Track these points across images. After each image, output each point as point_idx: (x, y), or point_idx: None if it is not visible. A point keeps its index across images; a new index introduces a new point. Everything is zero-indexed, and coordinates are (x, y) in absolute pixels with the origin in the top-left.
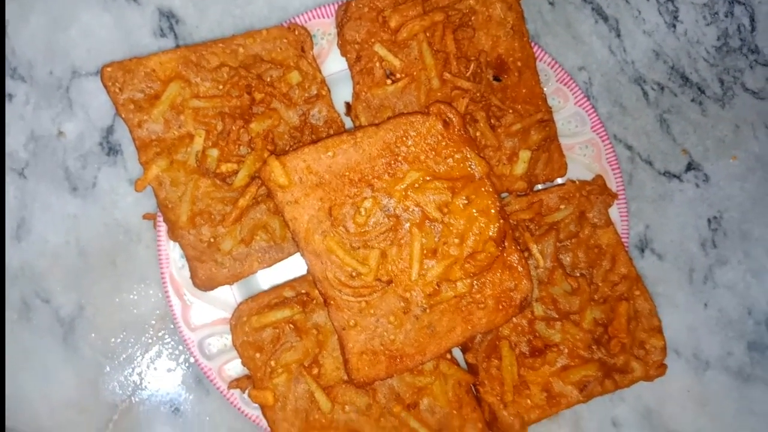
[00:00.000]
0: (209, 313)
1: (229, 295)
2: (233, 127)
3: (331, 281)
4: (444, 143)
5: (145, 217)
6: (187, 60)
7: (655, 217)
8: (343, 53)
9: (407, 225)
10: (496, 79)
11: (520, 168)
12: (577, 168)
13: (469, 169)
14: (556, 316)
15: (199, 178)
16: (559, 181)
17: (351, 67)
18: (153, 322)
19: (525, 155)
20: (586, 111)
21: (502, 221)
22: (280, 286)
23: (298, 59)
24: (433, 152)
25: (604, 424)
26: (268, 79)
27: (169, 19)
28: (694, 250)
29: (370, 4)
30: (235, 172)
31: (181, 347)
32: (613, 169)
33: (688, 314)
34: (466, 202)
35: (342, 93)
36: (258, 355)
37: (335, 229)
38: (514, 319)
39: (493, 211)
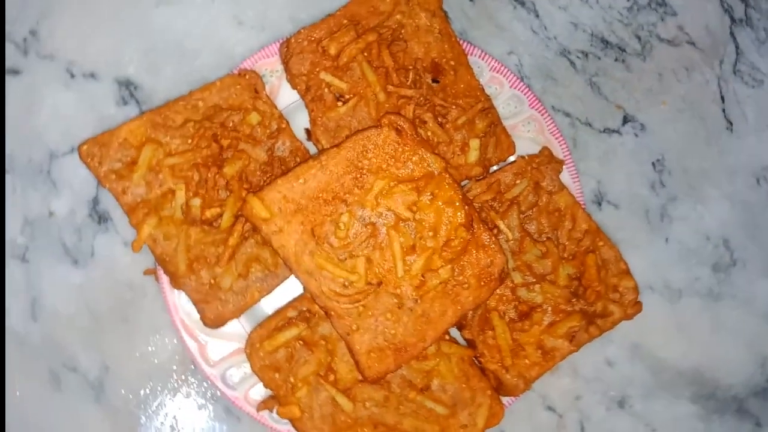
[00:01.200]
0: (224, 347)
1: (239, 327)
2: (209, 175)
3: (327, 294)
4: (401, 149)
5: (146, 272)
6: (154, 123)
7: (604, 171)
8: (293, 86)
9: (384, 229)
10: (435, 81)
11: (472, 156)
12: (525, 144)
13: (428, 167)
14: (534, 280)
15: (189, 228)
16: (511, 159)
17: (303, 97)
18: (174, 367)
19: (475, 143)
20: (522, 91)
21: (466, 207)
22: (282, 308)
23: (254, 101)
24: (393, 159)
25: (599, 365)
26: (231, 125)
27: (127, 87)
28: (646, 193)
29: (308, 37)
30: (220, 215)
31: (205, 384)
32: (556, 138)
33: (652, 252)
34: (431, 197)
35: (300, 121)
36: (277, 375)
37: (320, 247)
38: (497, 291)
39: (456, 201)
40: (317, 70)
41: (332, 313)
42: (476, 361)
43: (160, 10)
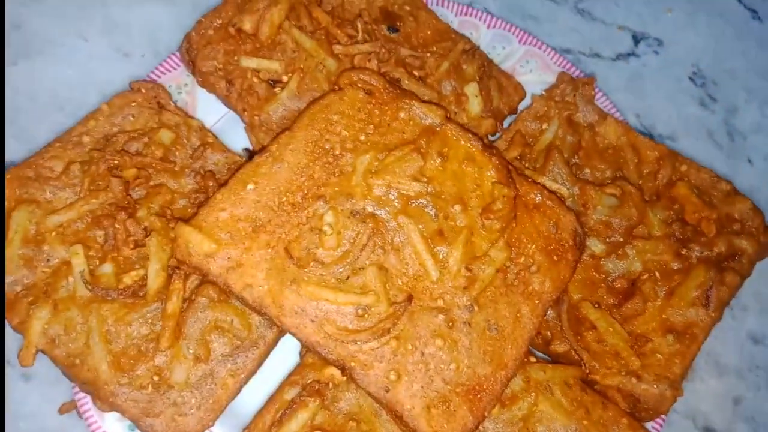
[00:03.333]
0: None
1: None
2: (116, 225)
3: (336, 337)
4: (377, 111)
5: (62, 410)
6: (24, 179)
7: (638, 102)
8: (211, 89)
9: (391, 219)
10: (393, 29)
11: (474, 105)
12: (532, 87)
13: (422, 122)
14: (620, 240)
15: (101, 306)
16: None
17: (227, 98)
18: None
19: (472, 88)
20: (505, 29)
21: (494, 158)
22: (275, 393)
23: (160, 116)
24: (372, 126)
25: (744, 346)
26: (134, 150)
27: None
28: (698, 113)
29: (211, 24)
30: (145, 278)
31: None
32: (567, 68)
33: (740, 179)
34: (441, 159)
35: (235, 140)
36: None
37: (305, 270)
38: (577, 275)
39: (476, 153)
40: (235, 58)
41: (353, 365)
42: (588, 384)
43: (20, 66)
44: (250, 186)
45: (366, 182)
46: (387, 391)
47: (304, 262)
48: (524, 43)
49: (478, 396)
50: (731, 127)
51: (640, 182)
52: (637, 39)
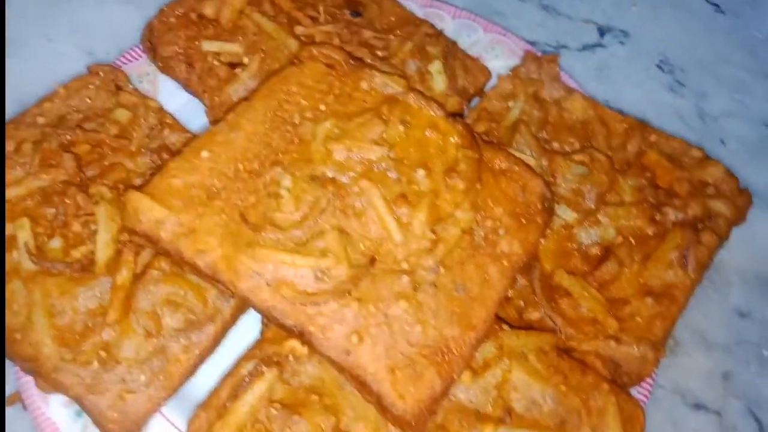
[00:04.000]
0: None
1: (167, 428)
2: (66, 200)
3: (293, 300)
4: (338, 82)
5: (8, 402)
6: None
7: (608, 89)
8: (172, 73)
9: (352, 185)
10: (356, 14)
11: (439, 82)
12: (498, 72)
13: (384, 92)
14: (592, 207)
15: (46, 280)
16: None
17: (188, 81)
18: None
19: (436, 66)
20: (469, 19)
21: (459, 125)
22: (232, 369)
23: (117, 97)
24: (332, 96)
25: (730, 320)
26: (90, 128)
27: None
28: (670, 98)
29: (173, 12)
30: (94, 253)
31: None
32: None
33: (718, 155)
34: (403, 127)
35: (197, 127)
36: None
37: (262, 235)
38: (550, 247)
39: (440, 120)
40: (196, 43)
41: (313, 331)
42: (565, 352)
43: None
44: (205, 153)
45: (326, 148)
46: (348, 354)
47: (260, 226)
48: (490, 32)
49: (446, 358)
50: (702, 111)
51: (610, 153)
52: (602, 31)
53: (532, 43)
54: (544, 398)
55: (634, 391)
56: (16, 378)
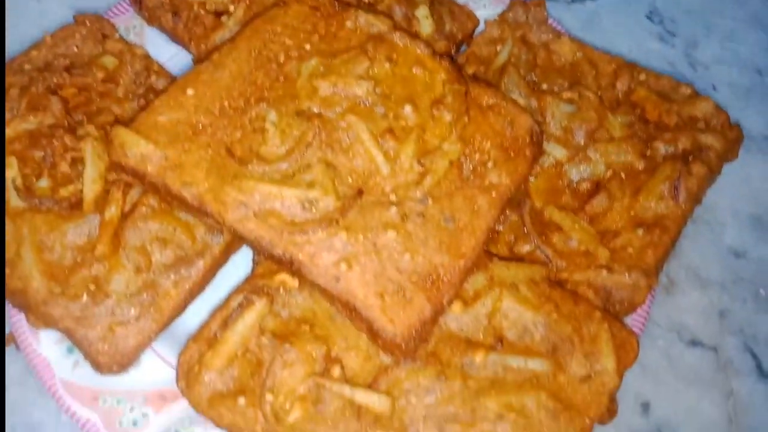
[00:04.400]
0: (144, 401)
1: (161, 366)
2: (54, 141)
3: (281, 230)
4: (323, 22)
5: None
6: None
7: (597, 39)
8: (158, 24)
9: (338, 120)
10: None
11: (425, 26)
12: (486, 20)
13: (371, 31)
14: (582, 143)
15: (34, 216)
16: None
17: (174, 31)
18: None
19: (422, 11)
20: None
21: (445, 62)
22: (223, 303)
23: (104, 45)
24: (317, 35)
25: (725, 260)
26: (76, 73)
27: None
28: (660, 47)
29: None
30: (82, 192)
31: None
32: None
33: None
34: (389, 64)
35: None
36: (242, 401)
37: (248, 167)
38: (540, 184)
39: (426, 58)
40: None
41: (302, 259)
42: (557, 284)
43: None
44: (190, 91)
45: (311, 84)
46: (338, 281)
47: (246, 160)
48: None
49: (435, 285)
50: (693, 59)
51: (599, 93)
52: None
53: None
54: (535, 326)
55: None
56: (8, 317)
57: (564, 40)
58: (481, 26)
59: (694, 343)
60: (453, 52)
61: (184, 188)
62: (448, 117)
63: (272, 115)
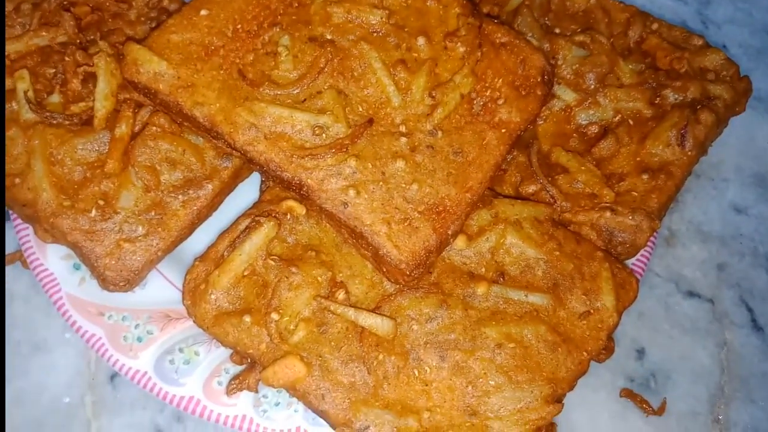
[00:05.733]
0: (150, 319)
1: (166, 287)
2: (66, 57)
3: (291, 153)
4: None
5: (8, 260)
6: None
7: None
8: None
9: (351, 48)
10: None
11: None
12: None
13: None
14: (592, 87)
15: (45, 129)
16: None
17: None
18: (82, 395)
19: None
20: None
21: None
22: (230, 226)
23: None
24: None
25: (727, 216)
26: None
27: None
28: (672, 4)
29: None
30: (93, 110)
31: (136, 390)
32: None
33: None
34: None
35: None
36: (248, 319)
37: (260, 90)
38: (549, 128)
39: None
40: None
41: (311, 184)
42: (560, 225)
43: None
44: (204, 11)
45: (325, 10)
46: (345, 206)
47: (258, 82)
48: None
49: (441, 216)
50: (705, 18)
51: (612, 40)
52: None
53: None
54: (537, 263)
55: None
56: (15, 233)
57: None
58: None
59: (692, 294)
60: None
61: (196, 108)
62: (461, 50)
63: (285, 40)
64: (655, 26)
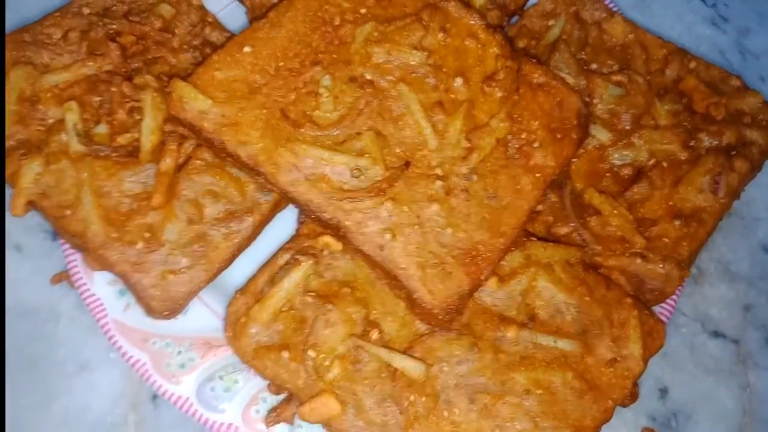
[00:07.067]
0: (192, 346)
1: (207, 315)
2: (113, 88)
3: (330, 195)
4: None
5: (55, 280)
6: (20, 42)
7: (648, 20)
8: None
9: (390, 89)
10: None
11: None
12: None
13: None
14: (628, 128)
15: (93, 162)
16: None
17: None
18: (121, 411)
19: None
20: None
21: (498, 35)
22: (270, 259)
23: None
24: (373, 0)
25: (755, 254)
26: (136, 20)
27: None
28: (711, 32)
29: None
30: (139, 141)
31: (177, 414)
32: None
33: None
34: (444, 35)
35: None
36: (286, 355)
37: (301, 131)
38: (583, 166)
39: (480, 30)
40: None
41: (349, 225)
42: (591, 267)
43: None
44: (247, 48)
45: (365, 50)
46: (382, 249)
47: (299, 123)
48: None
49: (475, 260)
50: (743, 47)
51: (648, 78)
52: None
53: None
54: (567, 308)
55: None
56: (64, 257)
57: (617, 19)
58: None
59: (717, 334)
60: (505, 23)
61: (240, 147)
62: (499, 94)
63: (326, 80)
64: (692, 65)
